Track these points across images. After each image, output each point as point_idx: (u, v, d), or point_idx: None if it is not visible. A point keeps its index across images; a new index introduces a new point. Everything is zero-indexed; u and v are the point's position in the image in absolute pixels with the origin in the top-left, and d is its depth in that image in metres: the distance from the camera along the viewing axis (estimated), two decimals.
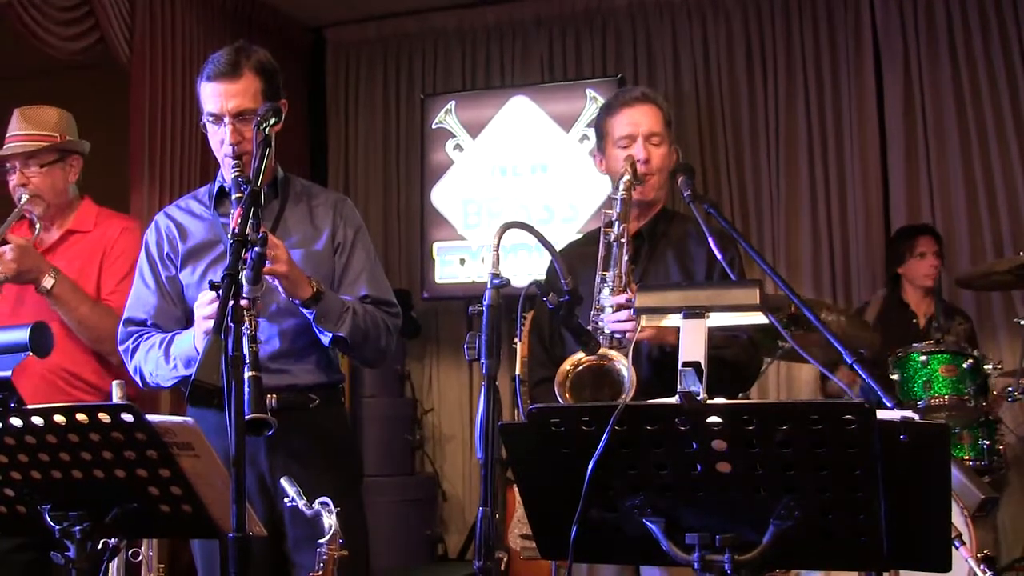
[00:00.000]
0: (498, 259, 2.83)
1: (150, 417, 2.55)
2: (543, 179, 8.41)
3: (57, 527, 2.73)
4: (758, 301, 2.53)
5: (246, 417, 2.72)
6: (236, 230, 2.82)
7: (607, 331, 3.66)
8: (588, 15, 8.85)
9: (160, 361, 3.67)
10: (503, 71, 9.10)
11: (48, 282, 4.17)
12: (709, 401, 2.26)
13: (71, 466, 2.68)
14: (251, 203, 2.89)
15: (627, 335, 3.62)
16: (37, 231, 4.42)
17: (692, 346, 2.42)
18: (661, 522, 2.37)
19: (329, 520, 2.90)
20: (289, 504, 3.04)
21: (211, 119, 3.67)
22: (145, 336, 3.78)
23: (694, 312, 2.48)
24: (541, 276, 3.91)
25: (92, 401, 4.24)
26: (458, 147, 8.62)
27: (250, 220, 2.85)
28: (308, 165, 9.18)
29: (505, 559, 6.64)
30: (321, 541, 2.91)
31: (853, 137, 8.13)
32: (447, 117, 8.65)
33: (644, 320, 2.75)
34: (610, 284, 3.73)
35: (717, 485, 2.32)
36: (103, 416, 2.55)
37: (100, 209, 4.62)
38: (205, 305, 3.43)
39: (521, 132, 8.51)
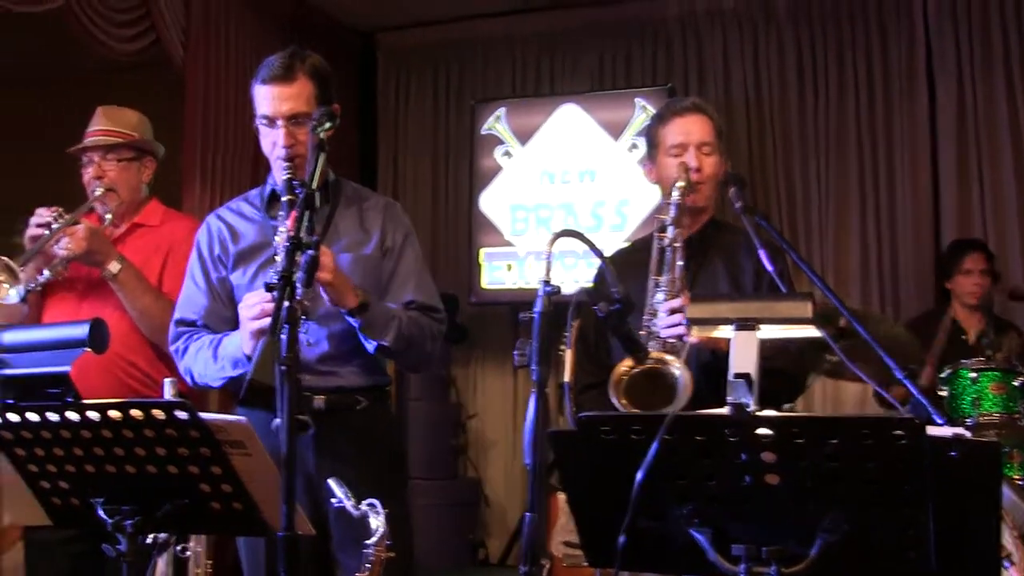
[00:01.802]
0: (550, 267, 2.84)
1: (204, 415, 2.58)
2: (591, 187, 8.42)
3: (109, 520, 2.76)
4: (810, 314, 2.53)
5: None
6: (291, 232, 2.85)
7: (660, 335, 3.68)
8: (638, 24, 8.86)
9: (209, 362, 3.71)
10: (552, 78, 9.13)
11: (115, 267, 4.23)
12: (759, 413, 2.27)
13: (125, 461, 2.71)
14: (306, 206, 2.92)
15: (681, 339, 3.64)
16: (106, 224, 4.47)
17: (743, 358, 2.42)
18: (708, 532, 2.36)
19: (376, 521, 2.92)
20: (336, 504, 3.05)
21: (264, 122, 3.71)
22: (195, 337, 3.82)
23: (746, 324, 2.49)
24: (587, 283, 3.92)
25: (146, 391, 4.30)
26: (507, 153, 8.65)
27: (305, 223, 2.88)
28: (357, 169, 9.21)
29: (548, 566, 6.63)
30: (368, 542, 2.92)
31: (904, 149, 8.09)
32: (497, 123, 8.67)
33: (695, 330, 2.76)
34: (663, 289, 3.74)
35: (765, 497, 2.31)
36: (157, 413, 2.58)
37: (167, 209, 4.70)
38: (249, 307, 3.47)
39: (570, 140, 8.52)
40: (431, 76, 9.45)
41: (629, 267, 3.86)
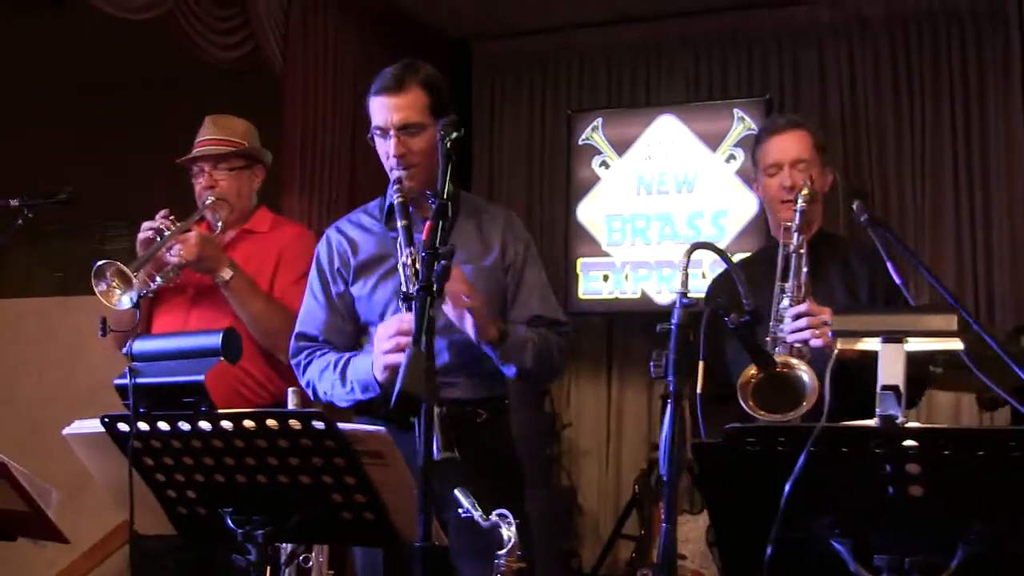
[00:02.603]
0: (687, 278, 2.83)
1: (342, 425, 2.58)
2: (688, 197, 8.36)
3: (240, 530, 2.77)
4: (956, 328, 2.51)
5: (436, 458, 2.74)
6: (427, 242, 2.86)
7: (787, 340, 3.67)
8: (734, 34, 8.78)
9: (336, 384, 3.73)
10: (648, 88, 9.06)
11: (227, 274, 4.26)
12: (907, 425, 2.26)
13: (256, 471, 2.72)
14: (439, 216, 2.93)
15: (806, 343, 3.68)
16: (217, 232, 4.50)
17: (891, 370, 2.42)
18: (849, 543, 2.37)
19: (509, 532, 2.90)
20: (464, 515, 3.04)
21: (378, 132, 3.77)
22: (318, 353, 3.85)
23: (893, 337, 2.48)
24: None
25: (258, 400, 4.32)
26: (604, 164, 8.60)
27: (439, 233, 2.88)
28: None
29: None
30: (500, 553, 2.91)
31: (1000, 164, 7.95)
32: (594, 134, 8.64)
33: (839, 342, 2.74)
34: (789, 294, 3.76)
35: (907, 507, 2.31)
36: (294, 423, 2.58)
37: (276, 215, 4.73)
38: (384, 339, 3.49)
39: (668, 150, 8.47)
40: (526, 85, 9.42)
41: (750, 278, 3.85)
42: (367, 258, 3.86)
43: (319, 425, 2.56)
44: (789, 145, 4.00)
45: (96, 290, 4.07)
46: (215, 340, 2.70)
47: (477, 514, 2.99)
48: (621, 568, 8.25)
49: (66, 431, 2.92)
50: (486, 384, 3.79)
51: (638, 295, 8.34)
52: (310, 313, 3.93)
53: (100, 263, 4.06)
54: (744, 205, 7.95)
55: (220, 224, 4.48)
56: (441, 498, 3.30)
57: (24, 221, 4.26)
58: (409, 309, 3.20)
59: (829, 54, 8.53)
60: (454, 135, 3.28)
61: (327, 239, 3.97)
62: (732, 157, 8.17)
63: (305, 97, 7.69)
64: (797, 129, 4.04)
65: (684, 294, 2.78)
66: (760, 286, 3.81)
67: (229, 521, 2.79)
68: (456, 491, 3.11)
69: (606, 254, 8.50)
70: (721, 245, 7.86)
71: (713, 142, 8.32)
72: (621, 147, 8.58)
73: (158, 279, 4.27)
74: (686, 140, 8.41)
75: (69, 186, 4.38)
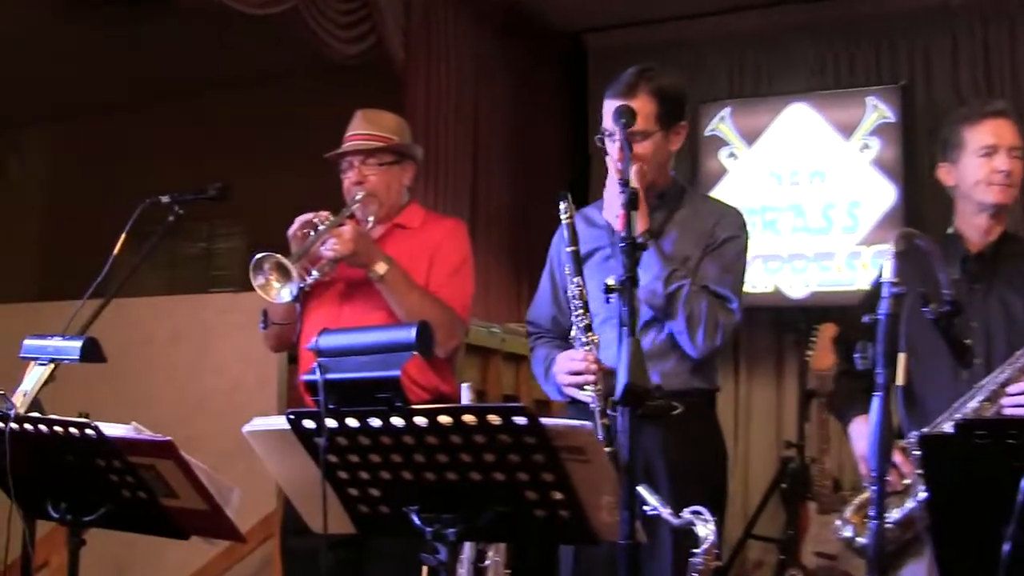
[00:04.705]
0: (896, 268, 2.79)
1: (545, 420, 2.55)
2: (821, 188, 8.31)
3: (429, 529, 2.75)
4: None
5: (625, 384, 2.68)
6: (623, 232, 2.85)
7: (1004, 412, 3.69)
8: (859, 20, 8.71)
9: (542, 377, 4.10)
10: (770, 78, 9.02)
11: (382, 268, 4.24)
12: None
13: (447, 468, 2.70)
14: (631, 206, 2.92)
15: None
16: (369, 227, 4.50)
17: None
18: None
19: (705, 530, 2.88)
20: (650, 512, 3.03)
21: (607, 133, 3.99)
22: (541, 340, 4.28)
23: None
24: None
25: (413, 399, 4.30)
26: (732, 155, 8.58)
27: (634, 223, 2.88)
28: (569, 173, 9.22)
29: None
30: (697, 551, 2.89)
31: None
32: (721, 124, 8.61)
33: None
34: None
35: None
36: (493, 418, 2.56)
37: (428, 211, 4.73)
38: (566, 374, 3.78)
39: (799, 140, 8.43)
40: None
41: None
42: (587, 251, 4.03)
43: (521, 421, 2.54)
44: (1006, 132, 3.97)
45: (254, 283, 4.06)
46: (409, 334, 2.68)
47: (666, 512, 2.97)
48: (750, 570, 8.20)
49: (246, 428, 2.92)
50: (684, 374, 3.90)
51: (769, 289, 8.29)
52: (539, 303, 4.35)
53: (259, 256, 4.05)
54: (880, 195, 7.88)
55: (371, 220, 4.48)
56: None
57: (176, 218, 4.26)
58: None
59: (963, 39, 8.42)
60: (625, 121, 3.47)
61: (562, 232, 4.06)
62: (866, 146, 8.10)
63: (428, 92, 7.75)
64: (1009, 118, 4.03)
65: (894, 283, 2.73)
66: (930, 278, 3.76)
67: (417, 520, 2.77)
68: (639, 488, 3.10)
69: None
70: (856, 237, 7.86)
71: (847, 130, 8.26)
72: (750, 137, 8.55)
73: (314, 273, 4.27)
74: (819, 129, 8.36)
75: (217, 182, 4.38)
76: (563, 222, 3.84)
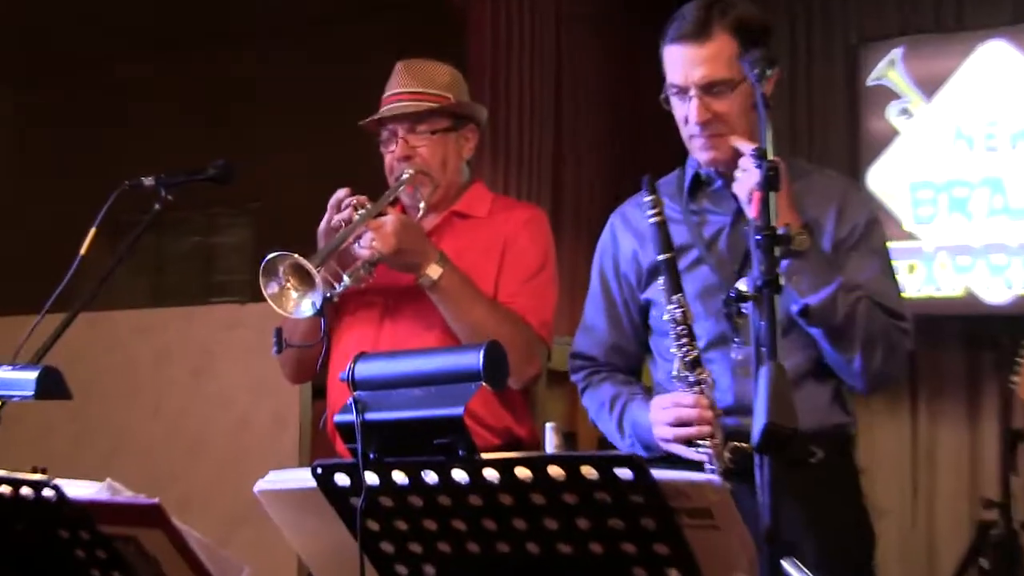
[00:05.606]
0: None
1: (659, 474, 2.54)
2: None
3: None
4: None
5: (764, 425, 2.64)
6: (759, 221, 2.82)
7: None
8: None
9: (613, 430, 3.95)
10: (960, 8, 8.93)
11: (435, 271, 4.14)
12: None
13: (527, 537, 2.69)
14: (769, 186, 2.88)
15: None
16: (419, 216, 4.42)
17: None
18: None
19: None
20: None
21: (674, 91, 3.77)
22: (596, 376, 4.06)
23: None
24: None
25: (481, 445, 4.27)
26: (905, 111, 8.54)
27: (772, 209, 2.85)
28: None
29: None
30: None
31: None
32: (890, 71, 8.56)
33: None
34: None
35: None
36: (587, 471, 2.55)
37: (496, 195, 4.68)
38: (668, 425, 3.60)
39: (996, 91, 8.36)
40: (785, 9, 9.35)
41: None
42: (650, 261, 3.88)
43: (626, 474, 2.52)
44: None
45: (266, 292, 3.94)
46: (474, 359, 2.67)
47: None
48: None
49: (258, 487, 2.93)
50: (822, 409, 3.80)
51: (959, 292, 8.25)
52: (589, 331, 4.13)
53: (272, 256, 3.90)
54: None
55: (423, 206, 4.42)
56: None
57: (163, 206, 4.25)
58: (739, 315, 3.16)
59: None
60: (768, 72, 3.26)
61: (610, 230, 4.05)
62: None
63: (495, 31, 7.74)
64: None
65: None
66: None
67: None
68: (785, 562, 3.09)
69: (911, 236, 8.46)
70: None
71: None
72: (930, 88, 8.51)
73: (345, 279, 4.17)
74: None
75: (218, 159, 4.36)
76: (649, 220, 3.68)
